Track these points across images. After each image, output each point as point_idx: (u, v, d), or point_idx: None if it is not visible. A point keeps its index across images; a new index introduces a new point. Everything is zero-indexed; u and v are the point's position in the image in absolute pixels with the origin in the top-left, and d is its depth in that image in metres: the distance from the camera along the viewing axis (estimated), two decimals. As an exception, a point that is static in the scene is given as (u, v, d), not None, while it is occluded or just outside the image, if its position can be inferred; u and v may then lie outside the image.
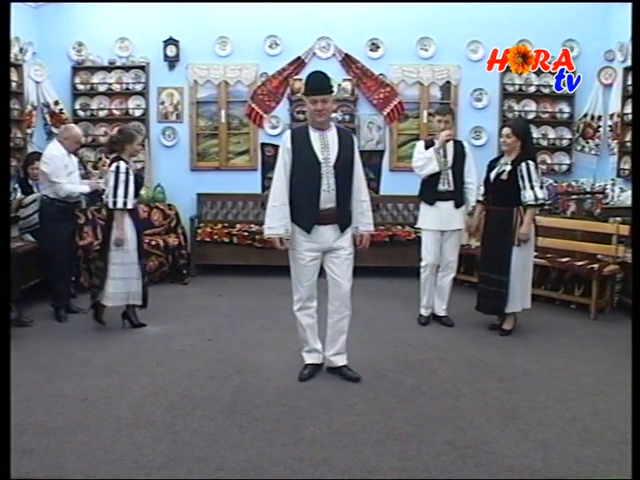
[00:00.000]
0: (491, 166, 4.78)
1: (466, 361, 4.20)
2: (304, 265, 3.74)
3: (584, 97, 6.84)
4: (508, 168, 4.58)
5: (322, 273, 3.85)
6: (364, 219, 3.79)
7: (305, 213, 3.67)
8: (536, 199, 4.52)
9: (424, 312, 5.12)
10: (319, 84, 3.61)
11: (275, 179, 3.71)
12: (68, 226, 5.17)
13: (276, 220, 3.67)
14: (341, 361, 3.88)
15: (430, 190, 4.95)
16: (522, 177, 4.50)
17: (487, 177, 4.78)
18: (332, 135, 3.68)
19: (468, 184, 4.96)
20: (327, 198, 3.65)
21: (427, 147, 4.98)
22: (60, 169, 4.94)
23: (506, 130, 4.66)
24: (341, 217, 3.72)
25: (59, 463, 2.84)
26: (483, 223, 4.89)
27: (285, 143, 3.69)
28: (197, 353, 4.33)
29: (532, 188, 4.50)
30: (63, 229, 5.10)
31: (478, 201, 4.96)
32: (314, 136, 3.65)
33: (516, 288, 4.66)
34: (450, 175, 4.91)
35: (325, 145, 3.64)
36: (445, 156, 4.91)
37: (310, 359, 3.93)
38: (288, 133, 3.76)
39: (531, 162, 4.53)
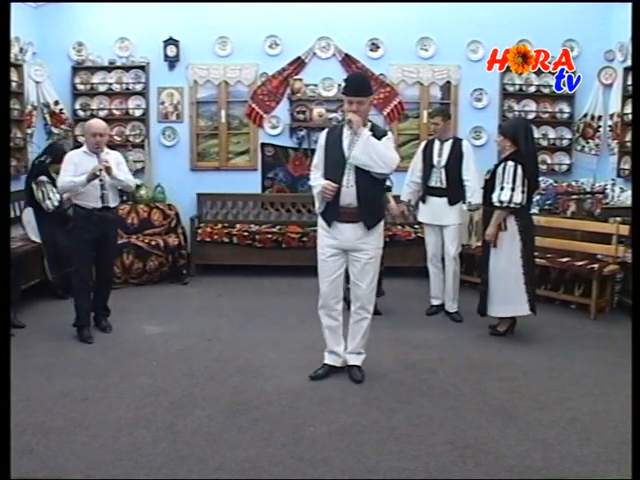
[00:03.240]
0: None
1: (466, 361, 4.20)
2: (323, 260, 3.81)
3: (584, 97, 6.83)
4: (493, 168, 4.62)
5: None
6: None
7: (328, 207, 3.74)
8: (500, 201, 4.39)
9: (432, 302, 5.41)
10: (357, 86, 3.67)
11: (312, 173, 3.87)
12: (88, 235, 4.54)
13: (316, 182, 3.77)
14: (353, 360, 3.91)
15: (423, 186, 5.28)
16: (497, 177, 4.48)
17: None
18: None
19: (465, 182, 5.09)
20: (347, 194, 3.67)
21: (425, 147, 5.29)
22: (65, 165, 4.53)
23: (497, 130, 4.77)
24: (363, 215, 3.71)
25: (59, 463, 2.84)
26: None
27: (320, 140, 3.85)
28: (197, 353, 4.33)
29: (501, 189, 4.40)
30: (81, 239, 4.56)
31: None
32: (346, 134, 3.72)
33: (496, 292, 4.59)
34: (443, 173, 5.15)
35: (354, 142, 3.67)
36: (440, 155, 5.16)
37: (328, 360, 3.95)
38: (325, 131, 3.90)
39: (511, 163, 4.40)
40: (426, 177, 5.23)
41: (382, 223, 3.85)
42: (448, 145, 5.15)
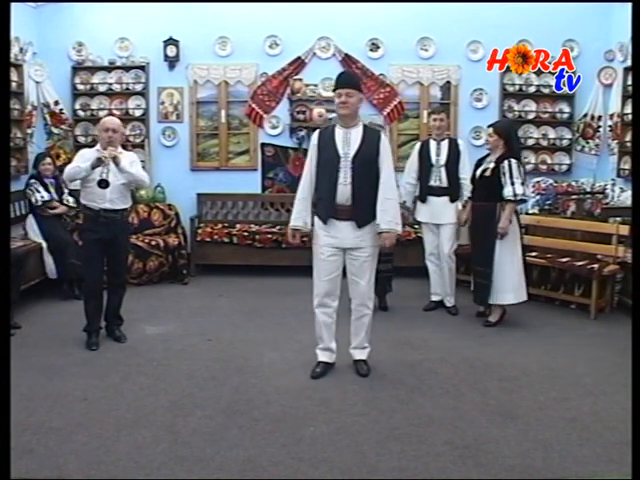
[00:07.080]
0: (478, 164, 5.00)
1: (466, 361, 4.20)
2: (323, 260, 3.81)
3: (584, 97, 6.83)
4: (492, 165, 4.80)
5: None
6: (386, 217, 3.72)
7: (323, 205, 3.78)
8: (515, 195, 4.69)
9: (432, 298, 5.52)
10: (344, 79, 3.76)
11: (302, 175, 3.89)
12: (95, 237, 4.37)
13: (296, 212, 3.85)
14: (358, 355, 3.96)
15: (422, 186, 5.37)
16: (504, 174, 4.72)
17: (473, 175, 4.99)
18: (357, 132, 3.74)
19: (462, 179, 5.26)
20: (344, 192, 3.71)
21: (421, 148, 5.41)
22: (75, 158, 4.40)
23: (490, 130, 4.93)
24: (357, 213, 3.73)
25: (59, 463, 2.84)
26: (470, 218, 5.11)
27: (313, 140, 3.86)
28: (197, 353, 4.33)
29: (512, 184, 4.69)
30: (91, 241, 4.40)
31: (469, 197, 5.19)
32: (338, 133, 3.75)
33: (503, 280, 4.83)
34: (442, 172, 5.27)
35: (347, 140, 3.71)
36: (438, 154, 5.27)
37: (323, 357, 3.96)
38: (317, 131, 3.92)
39: (514, 160, 4.72)
40: (425, 177, 5.33)
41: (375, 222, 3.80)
42: (445, 144, 5.29)
